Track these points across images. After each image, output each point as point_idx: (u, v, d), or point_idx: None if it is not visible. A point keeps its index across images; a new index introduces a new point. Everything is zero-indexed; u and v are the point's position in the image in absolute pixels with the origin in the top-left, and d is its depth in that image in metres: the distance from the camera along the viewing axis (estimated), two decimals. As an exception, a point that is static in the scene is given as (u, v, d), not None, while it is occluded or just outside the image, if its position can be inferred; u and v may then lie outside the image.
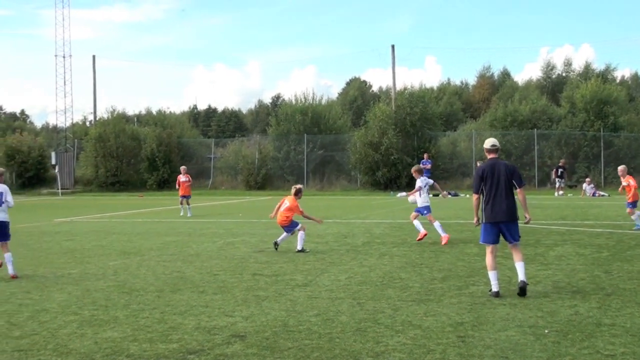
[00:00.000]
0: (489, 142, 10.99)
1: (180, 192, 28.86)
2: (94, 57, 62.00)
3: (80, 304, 10.21)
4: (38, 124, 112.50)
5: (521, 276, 10.38)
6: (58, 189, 53.57)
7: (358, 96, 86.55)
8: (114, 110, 61.62)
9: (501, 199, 10.58)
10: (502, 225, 10.59)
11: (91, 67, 61.85)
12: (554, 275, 12.16)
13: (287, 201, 16.84)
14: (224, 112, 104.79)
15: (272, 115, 61.50)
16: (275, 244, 16.42)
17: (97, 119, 61.80)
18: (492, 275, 10.45)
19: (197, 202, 37.85)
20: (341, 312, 9.39)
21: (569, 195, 41.02)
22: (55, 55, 61.06)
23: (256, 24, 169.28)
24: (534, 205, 30.52)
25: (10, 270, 12.85)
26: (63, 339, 8.18)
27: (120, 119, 59.69)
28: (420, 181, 18.11)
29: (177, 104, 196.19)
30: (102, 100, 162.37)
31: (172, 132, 57.54)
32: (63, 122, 63.51)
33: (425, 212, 17.94)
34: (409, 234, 19.35)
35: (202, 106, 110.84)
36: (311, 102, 57.59)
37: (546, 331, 8.22)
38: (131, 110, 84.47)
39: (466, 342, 7.80)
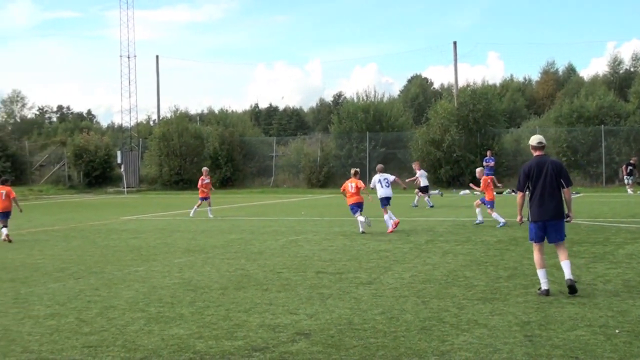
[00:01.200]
0: (535, 139, 10.90)
1: (203, 194, 27.41)
2: (157, 57, 62.79)
3: (146, 301, 10.34)
4: (104, 123, 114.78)
5: (568, 274, 10.23)
6: (124, 188, 54.41)
7: (419, 93, 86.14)
8: (177, 109, 62.31)
9: (548, 197, 10.49)
10: (548, 223, 10.50)
11: (154, 67, 62.68)
12: (624, 274, 11.88)
13: (354, 183, 20.60)
14: (285, 110, 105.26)
15: (334, 113, 61.47)
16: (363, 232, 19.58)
17: (161, 118, 62.59)
18: (541, 273, 10.37)
19: (259, 200, 38.11)
20: (406, 310, 9.32)
21: (638, 192, 40.12)
22: (120, 56, 62.01)
23: (317, 22, 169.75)
24: (602, 203, 29.95)
25: None
26: (131, 335, 8.28)
27: (183, 118, 60.31)
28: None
29: (238, 103, 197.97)
30: (165, 100, 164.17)
31: (234, 130, 57.94)
32: (128, 121, 64.47)
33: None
34: (472, 231, 19.17)
35: (263, 105, 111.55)
36: (373, 99, 57.45)
37: (617, 331, 8.04)
38: (194, 110, 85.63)
39: (533, 341, 7.67)
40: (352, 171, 21.46)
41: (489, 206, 21.24)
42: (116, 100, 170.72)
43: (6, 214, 20.01)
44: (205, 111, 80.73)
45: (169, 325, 8.73)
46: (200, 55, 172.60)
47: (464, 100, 50.31)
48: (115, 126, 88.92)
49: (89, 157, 58.21)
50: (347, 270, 12.89)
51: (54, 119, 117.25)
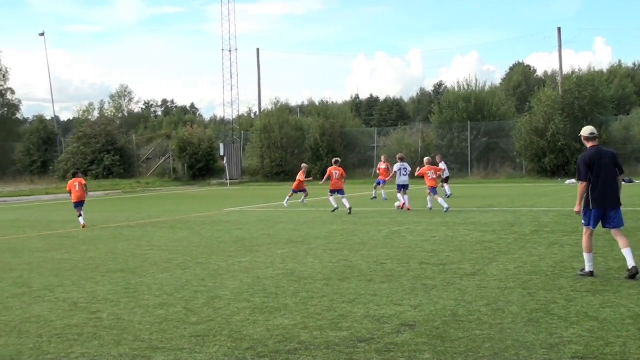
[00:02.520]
0: (588, 130, 11.24)
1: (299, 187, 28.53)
2: (258, 50, 63.60)
3: (251, 291, 10.46)
4: (207, 116, 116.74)
5: (631, 262, 10.56)
6: (226, 180, 55.33)
7: (522, 81, 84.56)
8: (278, 101, 62.96)
9: (610, 185, 10.90)
10: (609, 210, 10.90)
11: (255, 59, 63.42)
12: None
13: (338, 171, 24.86)
14: (385, 100, 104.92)
15: (434, 103, 60.98)
16: (336, 209, 23.79)
17: (262, 110, 63.36)
18: (588, 257, 10.89)
19: (360, 191, 38.12)
20: (511, 302, 9.16)
21: None
22: (222, 50, 63.08)
23: (417, 11, 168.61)
24: None
25: None
26: (237, 325, 8.40)
27: (284, 110, 60.89)
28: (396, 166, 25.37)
29: (338, 94, 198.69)
30: (266, 92, 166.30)
31: (335, 122, 58.15)
32: (230, 114, 65.62)
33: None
34: (580, 222, 18.68)
35: (364, 95, 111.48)
36: (474, 88, 56.73)
37: None
38: (294, 101, 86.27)
39: (648, 335, 7.42)
40: (334, 160, 26.04)
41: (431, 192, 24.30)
42: (218, 93, 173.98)
43: (81, 203, 22.43)
44: (306, 103, 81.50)
45: (274, 316, 8.81)
46: (300, 47, 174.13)
47: (569, 87, 49.12)
48: (218, 119, 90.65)
49: (192, 150, 59.37)
50: (450, 261, 12.76)
51: (159, 113, 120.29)
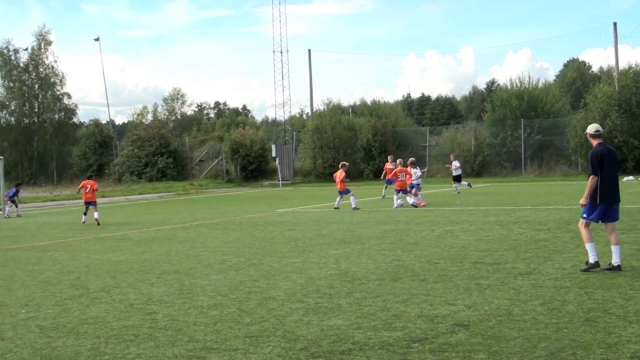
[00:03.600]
0: (593, 128, 11.82)
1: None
2: (309, 51, 63.71)
3: (304, 292, 10.48)
4: (258, 118, 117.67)
5: (617, 261, 11.11)
6: (279, 181, 55.56)
7: (577, 78, 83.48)
8: (330, 102, 63.04)
9: (616, 181, 11.61)
10: (613, 204, 11.49)
11: (307, 60, 63.58)
12: None
13: (344, 174, 27.53)
14: (437, 99, 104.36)
15: (487, 101, 60.44)
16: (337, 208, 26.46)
17: (314, 111, 63.45)
18: (591, 246, 11.24)
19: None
20: (568, 301, 9.03)
21: None
22: (273, 51, 63.36)
23: (467, 9, 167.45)
24: None
25: None
26: (290, 325, 8.41)
27: (336, 111, 60.93)
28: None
29: (390, 93, 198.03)
30: (318, 93, 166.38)
31: (387, 121, 58.03)
32: (282, 115, 65.93)
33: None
34: (638, 219, 18.35)
35: (415, 94, 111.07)
36: (527, 86, 56.12)
37: None
38: (346, 102, 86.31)
39: None
40: (343, 164, 28.72)
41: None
42: (270, 94, 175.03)
43: (90, 203, 25.21)
44: (358, 103, 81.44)
45: (328, 316, 8.81)
46: (351, 47, 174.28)
47: (626, 83, 48.29)
48: (270, 120, 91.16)
49: (245, 152, 59.73)
50: (504, 260, 12.63)
51: (212, 115, 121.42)
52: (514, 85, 56.64)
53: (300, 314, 8.97)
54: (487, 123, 55.22)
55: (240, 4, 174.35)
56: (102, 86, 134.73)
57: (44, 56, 73.20)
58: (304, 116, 78.73)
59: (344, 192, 27.46)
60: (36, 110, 73.37)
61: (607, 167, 11.38)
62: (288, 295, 10.27)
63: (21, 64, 73.01)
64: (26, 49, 72.90)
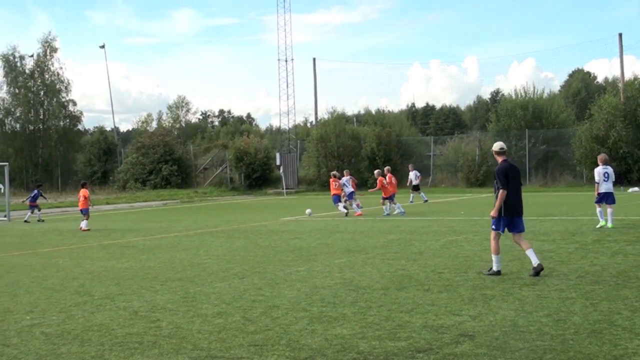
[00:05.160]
0: (498, 145, 12.65)
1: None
2: (314, 59, 63.76)
3: (309, 300, 10.46)
4: (263, 126, 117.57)
5: (536, 260, 11.96)
6: (283, 189, 55.54)
7: (582, 88, 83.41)
8: (334, 110, 63.13)
9: (519, 195, 12.38)
10: (516, 217, 12.31)
11: (311, 69, 63.65)
12: None
13: (335, 183, 29.33)
14: (442, 109, 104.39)
15: (491, 111, 60.47)
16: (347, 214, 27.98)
17: (318, 120, 63.49)
18: (497, 257, 12.21)
19: (417, 199, 37.85)
20: (573, 312, 9.00)
21: None
22: (278, 60, 63.40)
23: (472, 19, 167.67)
24: None
25: None
26: (295, 334, 8.40)
27: (340, 120, 61.00)
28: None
29: (394, 103, 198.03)
30: (322, 101, 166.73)
31: (392, 130, 58.05)
32: (286, 123, 65.82)
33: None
34: (642, 231, 18.32)
35: (419, 104, 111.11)
36: (532, 96, 56.11)
37: None
38: (350, 111, 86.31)
39: None
40: (335, 173, 31.12)
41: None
42: (274, 103, 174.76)
43: (83, 211, 26.84)
44: (362, 112, 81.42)
45: (332, 325, 8.79)
46: (355, 56, 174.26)
47: (631, 94, 48.28)
48: (274, 129, 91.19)
49: (249, 160, 59.74)
50: (509, 270, 12.59)
51: (216, 123, 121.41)
52: (519, 96, 56.66)
53: (305, 323, 8.95)
54: (491, 133, 55.18)
55: (246, 12, 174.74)
56: (106, 93, 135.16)
57: (50, 63, 73.47)
58: (308, 125, 78.79)
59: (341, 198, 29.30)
60: (41, 117, 73.56)
61: (511, 182, 12.18)
62: (292, 304, 10.26)
63: (27, 71, 73.23)
64: (32, 56, 73.16)
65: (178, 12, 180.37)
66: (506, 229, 12.34)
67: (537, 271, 11.88)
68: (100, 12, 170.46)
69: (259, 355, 7.55)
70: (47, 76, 73.27)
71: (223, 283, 12.42)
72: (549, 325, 8.37)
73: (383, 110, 72.95)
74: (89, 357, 7.74)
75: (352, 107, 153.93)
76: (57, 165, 72.10)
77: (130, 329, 8.99)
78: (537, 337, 7.82)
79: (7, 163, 38.53)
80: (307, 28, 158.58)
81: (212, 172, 64.90)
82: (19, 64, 73.10)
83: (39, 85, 73.39)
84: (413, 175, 38.19)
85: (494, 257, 12.25)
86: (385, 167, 31.40)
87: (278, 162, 58.11)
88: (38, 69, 73.12)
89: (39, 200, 33.33)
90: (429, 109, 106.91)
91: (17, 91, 72.78)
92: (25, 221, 31.74)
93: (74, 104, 75.96)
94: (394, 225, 23.09)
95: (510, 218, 12.25)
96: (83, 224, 26.02)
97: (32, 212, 32.62)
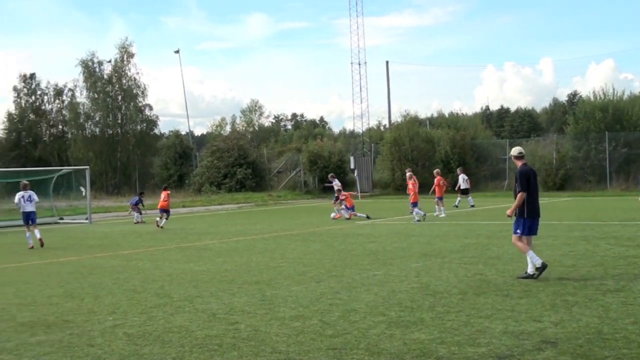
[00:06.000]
0: (517, 150, 13.00)
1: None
2: (387, 62, 63.59)
3: (386, 304, 10.40)
4: (336, 129, 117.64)
5: (531, 268, 12.28)
6: (357, 193, 55.43)
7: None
8: (408, 114, 62.73)
9: (538, 198, 12.75)
10: (538, 219, 12.73)
11: (384, 72, 63.47)
12: None
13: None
14: (517, 111, 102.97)
15: (569, 113, 59.35)
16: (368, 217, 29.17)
17: (392, 123, 63.23)
18: (532, 252, 12.37)
19: (492, 204, 37.43)
20: (660, 320, 8.74)
21: None
22: (351, 63, 63.38)
23: (547, 20, 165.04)
24: None
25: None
26: (373, 338, 8.36)
27: (413, 123, 60.58)
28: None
29: (468, 105, 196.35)
30: (395, 104, 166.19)
31: (466, 134, 57.43)
32: (359, 127, 65.76)
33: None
34: None
35: (494, 107, 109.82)
36: (611, 98, 54.82)
37: None
38: (423, 114, 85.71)
39: None
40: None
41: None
42: (347, 106, 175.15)
43: (164, 210, 28.84)
44: (435, 115, 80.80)
45: (410, 330, 8.72)
46: (428, 59, 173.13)
47: None
48: (347, 132, 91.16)
49: (323, 163, 59.78)
50: (592, 276, 12.32)
51: (289, 127, 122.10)
52: (598, 97, 55.45)
53: (383, 327, 8.90)
54: (569, 136, 54.07)
55: (318, 16, 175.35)
56: (181, 98, 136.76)
57: (127, 68, 74.80)
58: (382, 128, 78.53)
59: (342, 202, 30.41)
60: (119, 121, 74.94)
61: (532, 185, 12.57)
62: (370, 307, 10.22)
63: (105, 76, 74.77)
64: (109, 61, 74.63)
65: (250, 16, 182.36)
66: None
67: (525, 277, 12.27)
68: (174, 17, 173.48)
69: (338, 359, 7.53)
70: (124, 81, 74.65)
71: (300, 286, 12.45)
72: (636, 333, 8.15)
73: (456, 113, 72.36)
74: (169, 358, 7.84)
75: (424, 110, 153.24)
76: (134, 168, 73.36)
77: (209, 331, 9.08)
78: (623, 345, 7.62)
79: (88, 167, 39.50)
80: (380, 31, 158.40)
81: (286, 175, 65.20)
82: (97, 70, 74.70)
83: (116, 90, 74.82)
84: (462, 179, 37.89)
85: (529, 255, 12.37)
86: (435, 169, 31.84)
87: (352, 166, 58.02)
88: (116, 74, 74.56)
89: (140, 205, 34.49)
90: (503, 112, 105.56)
91: (96, 96, 74.36)
92: (136, 222, 32.90)
93: (150, 108, 77.24)
94: (470, 229, 22.83)
95: (532, 220, 12.58)
96: (162, 222, 28.31)
97: (139, 213, 33.82)
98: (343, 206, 30.13)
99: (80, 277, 14.88)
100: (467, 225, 24.44)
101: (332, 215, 30.44)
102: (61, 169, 42.57)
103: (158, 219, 29.09)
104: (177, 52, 75.89)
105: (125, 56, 74.75)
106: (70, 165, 60.72)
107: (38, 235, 21.96)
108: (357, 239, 20.72)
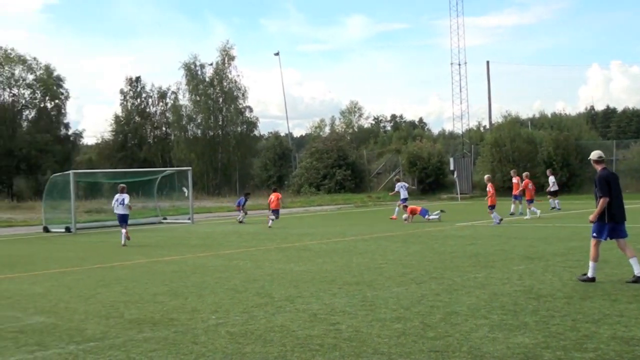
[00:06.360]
0: (597, 154, 12.82)
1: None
2: (487, 62, 62.92)
3: (488, 307, 10.25)
4: (435, 130, 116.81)
5: (638, 270, 12.01)
6: (457, 194, 54.86)
7: None
8: (508, 114, 61.75)
9: (621, 201, 12.42)
10: (619, 224, 12.38)
11: (485, 72, 62.67)
12: None
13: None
14: (624, 112, 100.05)
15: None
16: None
17: (492, 123, 62.35)
18: (594, 265, 12.29)
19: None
20: None
21: None
22: (451, 63, 62.84)
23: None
24: None
25: None
26: (475, 342, 8.25)
27: (514, 123, 59.62)
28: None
29: (571, 106, 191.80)
30: (496, 105, 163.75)
31: (570, 134, 56.13)
32: (459, 128, 65.12)
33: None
34: None
35: (599, 107, 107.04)
36: None
37: None
38: (524, 114, 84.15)
39: None
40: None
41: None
42: (446, 107, 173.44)
43: (275, 211, 30.04)
44: (537, 115, 79.27)
45: (514, 334, 8.57)
46: (529, 59, 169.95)
47: None
48: (446, 133, 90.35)
49: (422, 164, 59.45)
50: None
51: (388, 128, 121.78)
52: None
53: (485, 331, 8.77)
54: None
55: (417, 17, 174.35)
56: (280, 99, 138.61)
57: (228, 71, 76.20)
58: (482, 129, 77.44)
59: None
60: (220, 123, 76.37)
61: (613, 189, 12.29)
62: (472, 310, 10.09)
63: (207, 79, 76.31)
64: (211, 64, 76.17)
65: (350, 18, 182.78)
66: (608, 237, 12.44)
67: (637, 280, 11.95)
68: (274, 20, 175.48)
69: (440, 362, 7.47)
70: (225, 84, 76.06)
71: (400, 288, 12.40)
72: None
73: (559, 114, 70.65)
74: (272, 357, 7.91)
75: (526, 111, 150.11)
76: (235, 169, 74.58)
77: (310, 331, 9.12)
78: None
79: (190, 168, 40.32)
80: (480, 31, 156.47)
81: (385, 176, 65.08)
82: (199, 72, 76.34)
83: (217, 93, 76.27)
84: (551, 181, 37.24)
85: (591, 264, 12.31)
86: (524, 172, 31.89)
87: (452, 167, 57.47)
88: (217, 77, 76.03)
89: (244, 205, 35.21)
90: (609, 112, 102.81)
91: (198, 98, 76.01)
92: (239, 222, 33.71)
93: (251, 110, 78.47)
94: (574, 231, 22.28)
95: (613, 225, 12.31)
96: (270, 222, 29.35)
97: (245, 213, 34.57)
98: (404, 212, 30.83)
99: (183, 276, 15.19)
100: (571, 228, 23.87)
101: (403, 216, 30.75)
102: (165, 170, 43.60)
103: (269, 218, 29.94)
104: (277, 54, 76.84)
105: (226, 59, 76.14)
106: (173, 166, 62.24)
107: (123, 236, 23.52)
108: (458, 241, 20.49)
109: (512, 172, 33.47)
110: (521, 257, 16.18)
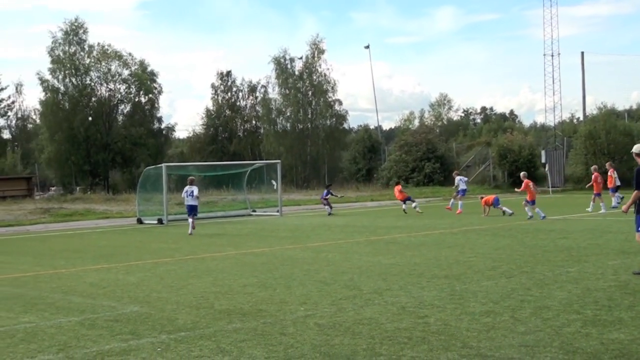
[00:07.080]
0: (638, 148, 12.67)
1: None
2: (582, 53, 61.31)
3: (581, 302, 10.03)
4: (526, 123, 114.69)
5: None
6: (548, 187, 53.81)
7: None
8: (604, 106, 60.22)
9: None
10: None
11: (579, 63, 61.22)
12: None
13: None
14: None
15: None
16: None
17: (586, 115, 60.90)
18: None
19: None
20: None
21: None
22: (544, 54, 61.54)
23: None
24: None
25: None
26: (567, 337, 8.09)
27: (610, 115, 58.08)
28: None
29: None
30: (590, 96, 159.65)
31: (670, 126, 54.45)
32: (551, 120, 63.82)
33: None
34: None
35: None
36: None
37: None
38: (621, 106, 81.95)
39: None
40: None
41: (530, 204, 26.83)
42: (538, 99, 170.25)
43: (404, 200, 32.97)
44: (634, 107, 77.11)
45: (608, 329, 8.37)
46: (626, 49, 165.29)
47: None
48: (538, 125, 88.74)
49: (513, 157, 58.46)
50: None
51: (478, 120, 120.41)
52: None
53: (578, 326, 8.60)
54: None
55: (509, 7, 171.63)
56: (370, 92, 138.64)
57: (317, 64, 76.52)
58: (575, 121, 75.81)
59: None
60: (309, 116, 76.81)
61: None
62: (563, 305, 9.89)
63: (296, 72, 76.84)
64: (300, 58, 76.65)
65: (439, 9, 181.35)
66: None
67: None
68: (363, 13, 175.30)
69: (531, 357, 7.35)
70: (314, 77, 76.43)
71: (490, 281, 12.25)
72: None
73: (658, 105, 68.56)
74: (360, 349, 7.92)
75: (622, 102, 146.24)
76: (324, 162, 74.88)
77: (399, 323, 9.10)
78: None
79: (279, 160, 40.66)
80: (574, 21, 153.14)
81: (475, 169, 64.30)
82: (289, 66, 76.91)
83: (307, 86, 76.72)
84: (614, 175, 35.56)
85: None
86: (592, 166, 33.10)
87: (543, 160, 56.34)
88: (307, 71, 76.48)
89: (330, 197, 35.54)
90: None
91: (287, 92, 76.62)
92: (329, 214, 34.01)
93: (340, 103, 78.60)
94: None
95: None
96: (409, 206, 32.63)
97: (330, 207, 34.76)
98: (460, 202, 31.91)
99: (272, 267, 15.34)
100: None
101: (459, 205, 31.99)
102: (254, 163, 44.06)
103: (404, 206, 32.64)
104: (367, 47, 76.54)
105: (316, 52, 76.51)
106: (262, 159, 62.87)
107: (190, 225, 25.25)
108: (549, 235, 20.10)
109: (607, 164, 32.55)
110: (616, 252, 15.77)
